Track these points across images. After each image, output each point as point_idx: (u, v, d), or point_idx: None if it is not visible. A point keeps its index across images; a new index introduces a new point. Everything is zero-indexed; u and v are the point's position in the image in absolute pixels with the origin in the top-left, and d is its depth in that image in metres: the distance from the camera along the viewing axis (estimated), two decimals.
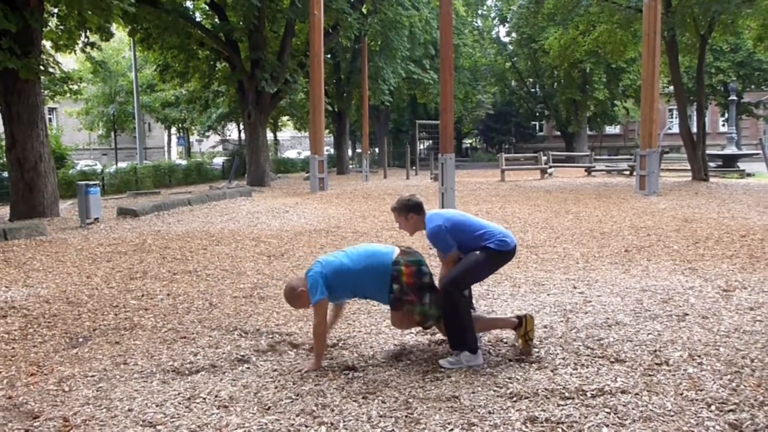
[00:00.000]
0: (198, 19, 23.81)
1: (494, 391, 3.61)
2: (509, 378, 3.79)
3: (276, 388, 3.76)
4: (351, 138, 44.64)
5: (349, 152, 43.00)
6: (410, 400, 3.51)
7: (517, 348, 4.24)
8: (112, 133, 43.48)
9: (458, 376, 3.85)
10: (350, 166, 35.92)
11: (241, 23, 21.05)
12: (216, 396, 3.66)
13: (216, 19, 22.19)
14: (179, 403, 3.57)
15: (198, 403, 3.58)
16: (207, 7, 23.10)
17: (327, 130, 38.31)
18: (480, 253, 4.10)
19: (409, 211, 4.29)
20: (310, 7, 18.23)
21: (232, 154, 35.06)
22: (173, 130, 53.21)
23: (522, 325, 4.18)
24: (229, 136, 56.67)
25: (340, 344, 4.54)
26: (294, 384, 3.80)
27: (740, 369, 3.80)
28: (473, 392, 3.60)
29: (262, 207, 14.10)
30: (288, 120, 49.11)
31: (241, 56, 21.65)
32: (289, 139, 75.73)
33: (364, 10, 26.36)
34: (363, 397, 3.57)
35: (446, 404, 3.45)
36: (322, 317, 4.03)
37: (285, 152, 61.35)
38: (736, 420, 3.14)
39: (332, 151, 40.94)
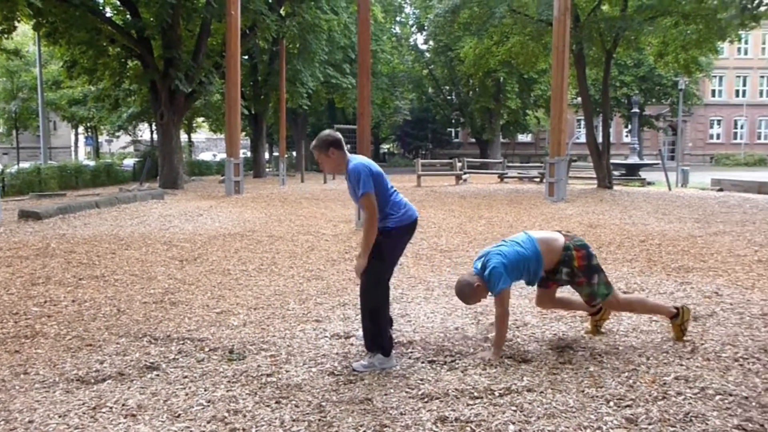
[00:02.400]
0: (108, 15, 23.03)
1: (406, 392, 3.68)
2: (421, 379, 3.86)
3: (187, 395, 3.69)
4: (268, 141, 44.23)
5: (266, 155, 42.58)
6: (323, 404, 3.52)
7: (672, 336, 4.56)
8: (14, 132, 41.32)
9: (371, 378, 3.90)
10: (267, 170, 35.56)
11: (153, 21, 20.50)
12: (123, 405, 3.56)
13: (128, 16, 21.52)
14: (84, 413, 3.46)
15: (104, 412, 3.47)
16: (118, 3, 22.37)
17: (243, 133, 37.71)
18: (383, 239, 4.06)
19: (330, 146, 4.16)
20: (227, 7, 17.95)
21: (144, 156, 34.03)
22: (81, 129, 51.18)
23: (679, 315, 4.51)
24: (141, 136, 55.02)
25: (253, 349, 4.50)
26: (205, 390, 3.75)
27: (637, 366, 4.01)
28: (386, 394, 3.65)
29: (174, 210, 13.77)
30: (203, 121, 48.22)
31: (154, 54, 21.09)
32: (205, 141, 74.30)
33: (283, 12, 26.19)
34: (276, 402, 3.56)
35: (359, 407, 3.49)
36: (506, 306, 4.26)
37: (200, 154, 60.19)
38: (632, 414, 3.32)
39: (248, 154, 40.43)
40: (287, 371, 4.05)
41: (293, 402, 3.56)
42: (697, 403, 3.45)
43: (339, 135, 4.24)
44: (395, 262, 4.30)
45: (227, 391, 3.74)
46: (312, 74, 30.27)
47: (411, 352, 4.38)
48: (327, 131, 4.30)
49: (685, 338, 4.51)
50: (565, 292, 4.85)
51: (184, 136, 50.97)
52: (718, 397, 3.51)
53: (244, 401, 3.58)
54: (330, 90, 34.37)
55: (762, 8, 14.39)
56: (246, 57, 29.85)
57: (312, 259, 8.12)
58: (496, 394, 3.62)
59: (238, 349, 4.50)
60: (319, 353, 4.39)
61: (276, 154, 42.03)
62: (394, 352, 4.16)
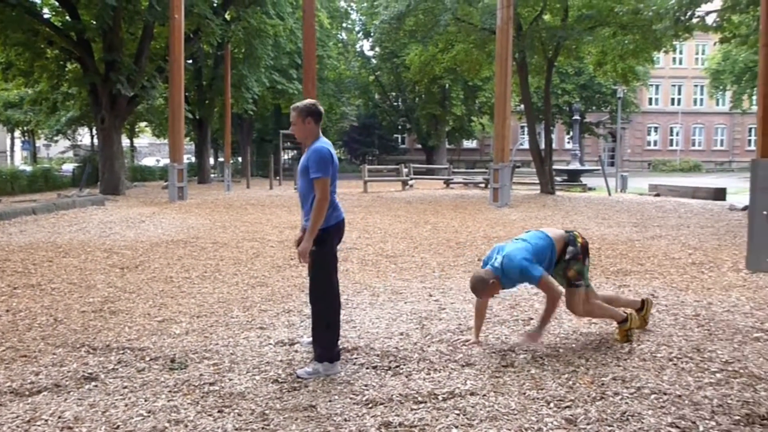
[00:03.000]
0: (47, 16, 22.34)
1: (350, 398, 3.68)
2: (365, 385, 3.87)
3: (126, 405, 3.61)
4: (213, 146, 43.63)
5: (211, 161, 41.98)
6: (267, 412, 3.50)
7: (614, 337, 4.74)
8: None
9: (315, 385, 3.89)
10: (212, 176, 35.06)
11: (94, 23, 20.00)
12: (59, 417, 3.46)
13: (67, 17, 20.91)
14: (17, 427, 3.35)
15: (39, 425, 3.37)
16: (57, 4, 21.75)
17: (187, 138, 37.18)
18: (317, 249, 4.06)
19: (309, 114, 4.17)
20: (170, 10, 17.69)
21: (84, 161, 33.11)
22: (17, 133, 49.49)
23: (644, 308, 4.90)
24: (81, 141, 53.53)
25: (196, 358, 4.43)
26: (146, 401, 3.67)
27: (576, 368, 4.11)
28: (330, 401, 3.65)
29: (116, 216, 13.46)
30: (146, 126, 47.23)
31: (94, 57, 20.54)
32: (148, 146, 72.87)
33: (228, 17, 25.90)
34: (218, 411, 3.52)
35: (303, 414, 3.47)
36: (555, 286, 4.40)
37: (142, 159, 58.96)
38: (571, 415, 3.40)
39: (193, 159, 39.79)
40: (230, 379, 4.00)
41: (236, 411, 3.52)
42: (634, 402, 3.55)
43: (322, 110, 4.28)
44: (335, 263, 4.29)
45: (168, 401, 3.67)
46: (258, 79, 30.01)
47: (356, 358, 4.38)
48: (313, 101, 4.32)
49: (629, 342, 4.61)
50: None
51: (126, 141, 49.87)
52: (653, 396, 3.62)
53: (186, 411, 3.52)
54: (276, 95, 34.13)
55: (694, 20, 14.94)
56: (190, 61, 29.42)
57: (257, 265, 8.04)
58: (440, 398, 3.65)
59: (180, 357, 4.43)
60: (263, 361, 4.35)
61: (221, 159, 41.49)
62: (339, 359, 4.16)
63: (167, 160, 22.30)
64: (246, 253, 9.00)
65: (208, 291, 6.59)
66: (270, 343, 4.72)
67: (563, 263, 4.55)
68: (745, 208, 12.09)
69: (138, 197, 20.16)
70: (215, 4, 24.93)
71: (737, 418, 3.32)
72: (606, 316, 4.78)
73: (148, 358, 4.44)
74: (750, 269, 7.29)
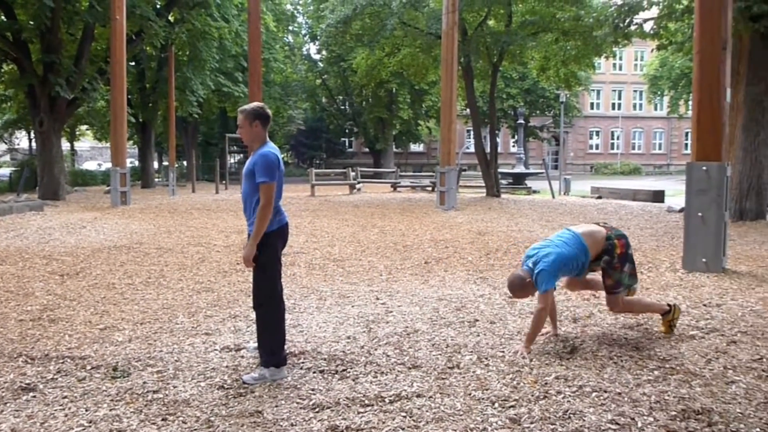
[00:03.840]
0: None
1: (297, 403, 3.67)
2: (312, 389, 3.86)
3: (66, 416, 3.52)
4: (157, 150, 42.87)
5: (155, 165, 41.19)
6: (212, 419, 3.46)
7: (660, 331, 4.93)
8: None
9: (262, 390, 3.86)
10: (156, 180, 34.37)
11: (31, 23, 19.40)
12: None
13: (2, 17, 20.23)
14: None
15: None
16: None
17: (130, 141, 36.44)
18: (261, 254, 4.05)
19: (257, 118, 4.13)
20: (111, 11, 17.30)
21: (22, 165, 32.03)
22: None
23: (670, 312, 4.89)
24: (18, 144, 51.83)
25: (139, 365, 4.34)
26: (86, 411, 3.58)
27: (520, 368, 4.18)
28: (276, 406, 3.63)
29: (55, 222, 13.07)
30: (87, 129, 46.01)
31: (31, 58, 19.93)
32: (89, 150, 71.06)
33: (172, 19, 25.48)
34: (162, 419, 3.46)
35: (249, 420, 3.44)
36: (548, 304, 4.54)
37: (84, 163, 57.45)
38: (515, 415, 3.46)
39: (136, 163, 38.96)
40: (174, 387, 3.94)
41: (180, 418, 3.47)
42: (576, 400, 3.63)
43: (270, 114, 4.26)
44: (279, 267, 4.27)
45: (110, 410, 3.59)
46: (202, 82, 29.60)
47: (302, 363, 4.37)
48: (261, 104, 4.29)
49: (673, 332, 4.88)
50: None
51: (66, 145, 48.51)
52: (594, 394, 3.71)
53: (129, 420, 3.45)
54: (222, 98, 33.73)
55: (632, 27, 15.39)
56: (133, 63, 28.83)
57: (202, 270, 7.93)
58: (387, 400, 3.67)
59: (123, 365, 4.33)
60: (209, 367, 4.30)
61: (165, 163, 40.73)
62: (285, 364, 4.14)
63: (109, 164, 21.76)
64: (191, 258, 8.87)
65: (152, 297, 6.47)
66: (216, 349, 4.67)
67: (596, 264, 4.71)
68: (681, 210, 12.50)
69: (79, 202, 19.64)
70: (158, 6, 24.47)
71: (674, 413, 3.43)
72: (646, 311, 5.05)
73: (89, 367, 4.33)
74: (686, 269, 7.54)
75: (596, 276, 4.97)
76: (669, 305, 4.96)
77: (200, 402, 3.69)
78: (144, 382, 4.01)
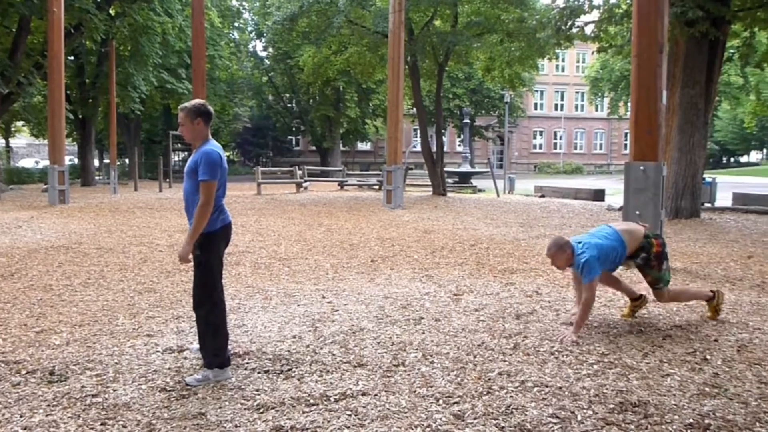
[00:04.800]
0: None
1: (241, 404, 3.63)
2: (257, 390, 3.83)
3: None
4: (98, 147, 41.74)
5: (96, 163, 40.11)
6: (154, 422, 3.39)
7: (705, 315, 5.35)
8: None
9: (205, 392, 3.80)
10: (97, 178, 33.47)
11: None
12: None
13: None
14: None
15: None
16: None
17: (70, 138, 35.39)
18: (202, 253, 4.00)
19: (198, 115, 4.07)
20: (49, 3, 16.75)
21: None
22: None
23: (715, 298, 5.24)
24: None
25: (77, 369, 4.22)
26: (21, 417, 3.47)
27: (465, 365, 4.24)
28: (220, 407, 3.58)
29: None
30: (23, 125, 44.48)
31: None
32: (25, 147, 68.87)
33: (112, 12, 24.83)
34: (101, 424, 3.37)
35: (192, 422, 3.39)
36: (594, 292, 4.83)
37: (20, 161, 55.62)
38: (459, 411, 3.50)
39: (76, 161, 37.87)
40: (114, 390, 3.85)
41: (120, 422, 3.39)
42: (518, 395, 3.70)
43: (212, 111, 4.21)
44: (220, 267, 4.21)
45: (47, 415, 3.48)
46: (145, 78, 28.93)
47: (247, 363, 4.32)
48: (202, 101, 4.22)
49: (718, 317, 5.27)
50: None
51: (1, 141, 46.86)
52: (536, 389, 3.79)
53: (66, 425, 3.36)
54: (165, 95, 33.05)
55: (574, 30, 15.72)
56: (71, 57, 27.97)
57: (144, 271, 7.77)
58: (332, 399, 3.67)
59: (60, 369, 4.21)
60: (150, 369, 4.21)
61: (107, 161, 39.71)
62: (229, 365, 4.10)
63: (47, 162, 21.08)
64: (133, 258, 8.67)
65: (92, 299, 6.30)
66: (158, 351, 4.58)
67: (632, 260, 5.05)
68: (620, 208, 12.84)
69: (15, 201, 18.99)
70: None
71: (612, 406, 3.53)
72: (692, 299, 5.42)
73: (24, 372, 4.19)
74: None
75: (619, 276, 5.47)
76: (712, 291, 5.32)
77: (141, 405, 3.62)
78: (82, 386, 3.91)
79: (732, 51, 19.70)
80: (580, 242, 4.96)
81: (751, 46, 16.32)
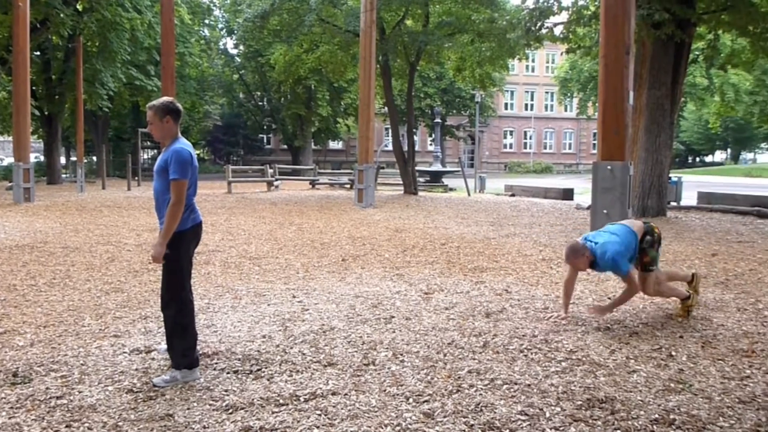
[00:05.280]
0: None
1: (210, 404, 3.60)
2: (226, 390, 3.80)
3: None
4: (64, 145, 40.96)
5: (63, 160, 39.40)
6: (120, 424, 3.34)
7: (676, 313, 5.46)
8: None
9: (173, 393, 3.76)
10: (63, 176, 32.89)
11: None
12: None
13: None
14: None
15: None
16: None
17: (35, 135, 34.68)
18: (172, 252, 3.94)
19: (167, 113, 4.01)
20: None
21: None
22: None
23: (689, 298, 5.42)
24: None
25: (41, 370, 4.15)
26: None
27: (435, 363, 4.25)
28: (188, 408, 3.55)
29: None
30: None
31: None
32: None
33: (80, 7, 24.44)
34: (66, 426, 3.32)
35: (159, 424, 3.35)
36: (635, 283, 5.06)
37: None
38: (429, 409, 3.51)
39: (41, 158, 37.19)
40: (80, 392, 3.79)
41: (86, 424, 3.34)
42: (487, 393, 3.73)
43: (181, 108, 4.16)
44: (190, 267, 4.17)
45: (9, 418, 3.42)
46: (113, 75, 28.53)
47: (216, 363, 4.29)
48: (171, 99, 4.16)
49: (688, 318, 5.37)
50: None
51: None
52: (505, 387, 3.82)
53: (30, 428, 3.30)
54: (134, 92, 32.61)
55: (544, 31, 15.86)
56: (38, 53, 27.48)
57: (112, 270, 7.66)
58: (302, 399, 3.65)
59: (24, 371, 4.13)
60: (117, 370, 4.15)
61: (74, 158, 39.03)
62: (198, 365, 4.06)
63: (11, 159, 20.64)
64: (100, 257, 8.54)
65: (57, 299, 6.19)
66: (125, 352, 4.52)
67: (641, 250, 5.20)
68: (589, 208, 13.00)
69: None
70: None
71: (579, 403, 3.57)
72: (673, 296, 5.47)
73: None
74: None
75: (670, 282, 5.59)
76: (688, 292, 5.48)
77: (107, 407, 3.57)
78: (47, 388, 3.84)
79: (697, 53, 20.07)
80: (596, 242, 5.08)
81: (715, 48, 16.63)
